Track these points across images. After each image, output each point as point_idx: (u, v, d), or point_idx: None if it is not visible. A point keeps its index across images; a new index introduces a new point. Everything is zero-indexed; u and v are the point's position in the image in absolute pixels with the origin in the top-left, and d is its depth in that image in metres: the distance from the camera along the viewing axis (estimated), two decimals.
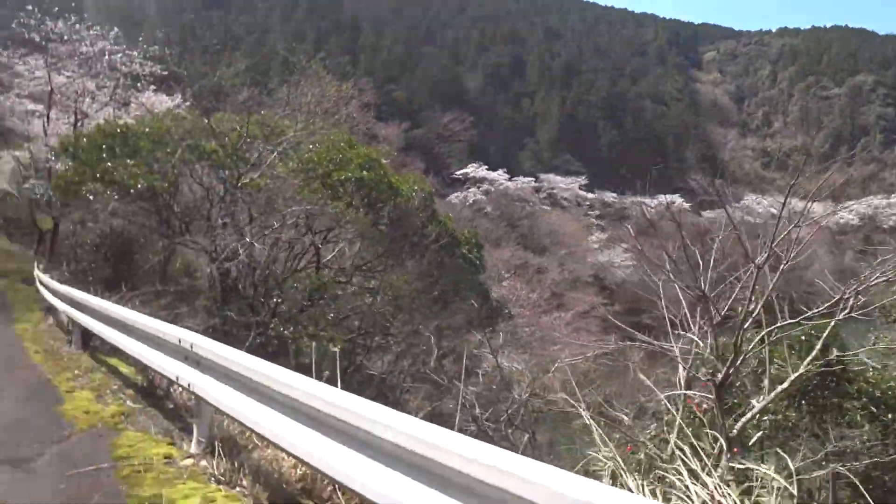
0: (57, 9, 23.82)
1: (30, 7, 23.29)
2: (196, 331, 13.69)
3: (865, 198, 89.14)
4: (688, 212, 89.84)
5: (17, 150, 29.32)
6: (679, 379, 6.41)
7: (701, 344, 6.09)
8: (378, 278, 19.49)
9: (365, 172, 17.03)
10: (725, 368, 5.46)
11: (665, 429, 6.65)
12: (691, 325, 6.76)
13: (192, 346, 4.68)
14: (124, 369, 7.87)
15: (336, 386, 4.64)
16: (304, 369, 14.08)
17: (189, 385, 4.67)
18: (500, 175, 78.63)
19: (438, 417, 19.09)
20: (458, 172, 77.33)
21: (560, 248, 73.36)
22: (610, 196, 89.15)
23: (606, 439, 5.19)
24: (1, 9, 24.72)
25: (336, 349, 16.45)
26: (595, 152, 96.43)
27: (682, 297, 6.95)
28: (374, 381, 19.86)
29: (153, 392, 6.51)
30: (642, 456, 5.72)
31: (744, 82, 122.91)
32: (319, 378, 5.54)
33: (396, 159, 37.31)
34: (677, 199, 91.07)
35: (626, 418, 6.51)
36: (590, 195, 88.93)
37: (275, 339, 16.42)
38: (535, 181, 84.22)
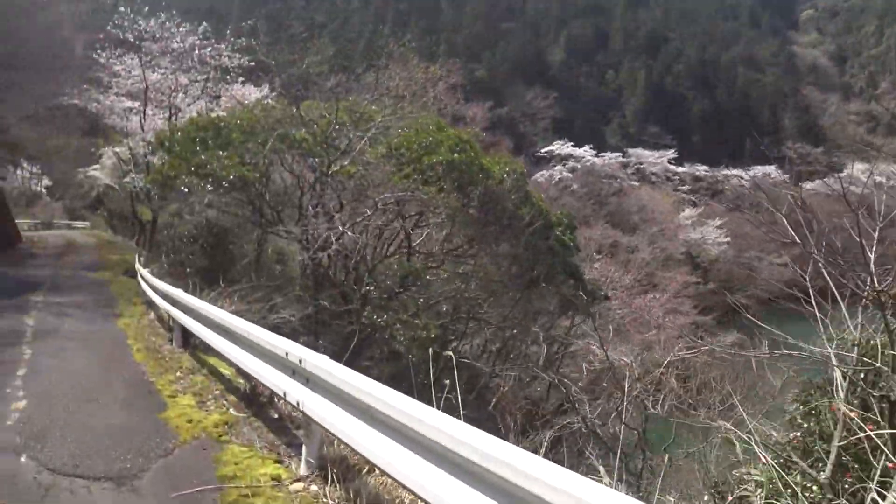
0: (147, 8, 24.44)
1: (123, 8, 24.02)
2: (292, 322, 13.63)
3: None
4: (785, 183, 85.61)
5: (118, 146, 30.50)
6: (837, 386, 5.55)
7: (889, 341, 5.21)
8: (469, 263, 19.09)
9: (456, 155, 16.53)
10: None
11: (815, 441, 5.85)
12: (850, 326, 5.86)
13: (301, 362, 4.28)
14: (225, 371, 7.68)
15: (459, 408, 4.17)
16: (396, 357, 13.82)
17: (298, 403, 4.29)
18: (585, 151, 76.75)
19: (537, 406, 18.56)
20: (542, 150, 75.99)
21: (650, 225, 71.03)
22: (701, 169, 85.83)
23: (766, 458, 4.49)
24: (98, 12, 25.57)
25: (432, 335, 16.21)
26: (684, 124, 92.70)
27: (832, 286, 6.05)
28: (466, 367, 19.59)
29: (256, 399, 6.22)
30: (798, 477, 4.97)
31: (846, 41, 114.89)
32: (438, 387, 5.08)
33: (485, 140, 36.62)
34: (773, 171, 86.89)
35: (774, 434, 5.73)
36: (679, 169, 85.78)
37: (368, 326, 16.27)
38: (623, 156, 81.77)
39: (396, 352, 16.96)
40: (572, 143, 76.88)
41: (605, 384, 11.54)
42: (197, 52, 24.15)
